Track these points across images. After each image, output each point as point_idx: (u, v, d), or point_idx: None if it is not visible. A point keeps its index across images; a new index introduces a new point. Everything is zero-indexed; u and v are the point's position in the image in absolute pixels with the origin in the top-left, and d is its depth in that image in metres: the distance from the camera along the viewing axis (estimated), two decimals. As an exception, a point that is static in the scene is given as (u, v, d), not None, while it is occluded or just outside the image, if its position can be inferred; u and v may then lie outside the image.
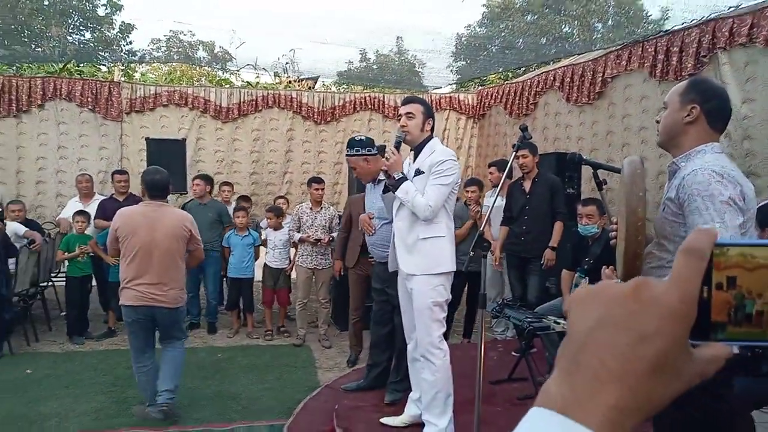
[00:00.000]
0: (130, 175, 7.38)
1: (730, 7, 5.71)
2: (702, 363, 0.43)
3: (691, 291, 0.42)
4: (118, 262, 4.33)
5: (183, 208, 6.88)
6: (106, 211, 6.00)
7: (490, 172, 5.38)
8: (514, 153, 3.25)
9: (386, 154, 3.28)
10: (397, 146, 3.35)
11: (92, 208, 6.37)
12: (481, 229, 3.48)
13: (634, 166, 1.91)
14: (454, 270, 3.34)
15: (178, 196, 7.41)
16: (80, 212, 6.11)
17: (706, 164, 1.85)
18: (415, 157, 3.44)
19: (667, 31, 6.24)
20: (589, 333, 0.43)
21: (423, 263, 3.28)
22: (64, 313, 6.27)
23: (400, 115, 3.43)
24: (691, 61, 5.74)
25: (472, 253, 3.10)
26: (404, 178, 3.26)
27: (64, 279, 6.08)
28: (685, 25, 5.97)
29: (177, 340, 4.11)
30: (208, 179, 6.56)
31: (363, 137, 4.28)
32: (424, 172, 3.31)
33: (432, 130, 3.47)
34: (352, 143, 4.22)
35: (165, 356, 4.06)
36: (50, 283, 6.60)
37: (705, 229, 0.44)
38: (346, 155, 4.26)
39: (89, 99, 8.66)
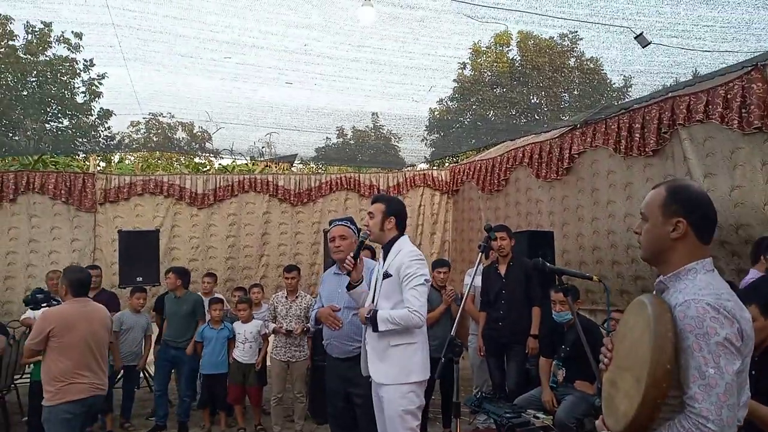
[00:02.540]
0: (103, 267, 7.30)
1: (685, 85, 5.94)
2: None
3: None
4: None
5: (158, 299, 6.75)
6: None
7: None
8: (480, 253, 3.23)
9: (346, 264, 3.31)
10: (361, 245, 3.39)
11: (62, 306, 6.18)
12: (463, 303, 3.60)
13: (665, 327, 1.63)
14: (427, 378, 3.25)
15: (151, 287, 7.26)
16: (48, 311, 5.92)
17: (699, 293, 1.66)
18: (385, 256, 3.42)
19: (627, 108, 6.44)
20: None
21: (393, 372, 3.19)
22: (26, 419, 5.92)
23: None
24: (653, 137, 5.89)
25: (443, 359, 3.01)
26: (375, 311, 3.21)
27: (28, 382, 5.77)
28: (644, 102, 6.18)
29: None
30: (181, 272, 6.42)
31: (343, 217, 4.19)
32: (392, 275, 3.28)
33: (398, 227, 3.45)
34: (335, 220, 4.03)
35: None
36: (13, 387, 6.31)
37: None
38: (337, 224, 3.89)
39: (62, 191, 8.64)
